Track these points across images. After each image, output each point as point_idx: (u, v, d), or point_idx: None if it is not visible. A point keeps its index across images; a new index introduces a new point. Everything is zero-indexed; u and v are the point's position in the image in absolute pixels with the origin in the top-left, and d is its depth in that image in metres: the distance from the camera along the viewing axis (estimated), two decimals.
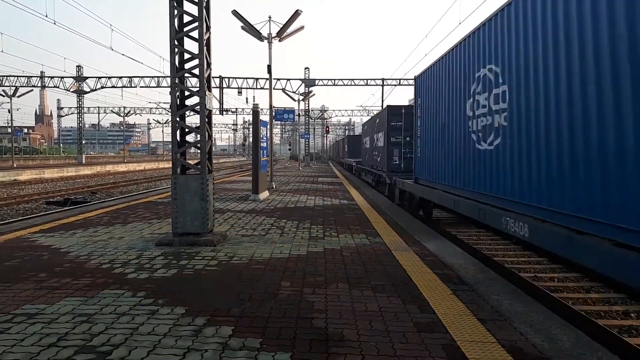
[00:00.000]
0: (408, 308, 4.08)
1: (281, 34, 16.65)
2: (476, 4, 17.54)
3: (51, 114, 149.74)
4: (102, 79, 46.55)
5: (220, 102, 44.33)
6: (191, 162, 7.35)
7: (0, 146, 78.28)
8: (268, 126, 15.71)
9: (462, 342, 3.34)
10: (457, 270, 5.38)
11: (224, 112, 47.40)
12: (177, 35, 6.99)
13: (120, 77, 45.82)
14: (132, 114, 70.52)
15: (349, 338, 3.41)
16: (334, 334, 3.49)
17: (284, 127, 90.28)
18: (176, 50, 7.00)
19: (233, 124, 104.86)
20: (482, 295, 4.47)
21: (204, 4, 6.93)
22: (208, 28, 7.11)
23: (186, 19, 7.09)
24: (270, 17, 17.16)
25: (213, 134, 7.46)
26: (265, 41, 16.82)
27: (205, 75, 6.98)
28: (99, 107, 68.93)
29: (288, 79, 45.25)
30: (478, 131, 7.68)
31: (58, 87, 45.95)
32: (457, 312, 3.99)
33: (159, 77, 45.05)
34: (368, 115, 67.52)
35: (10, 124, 48.49)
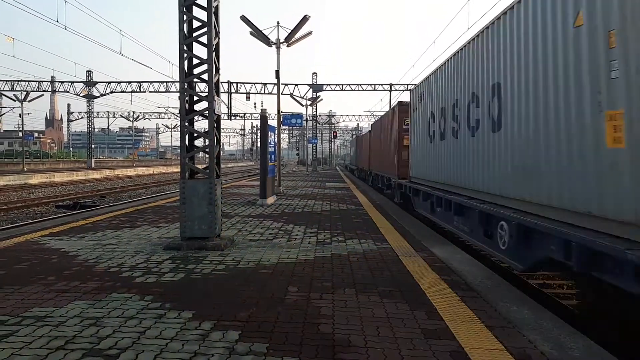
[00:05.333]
0: (415, 314, 4.06)
1: (289, 40, 16.72)
2: (484, 9, 17.50)
3: (61, 119, 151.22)
4: (111, 83, 46.97)
5: (229, 107, 44.54)
6: (199, 166, 7.38)
7: (11, 150, 79.07)
8: (276, 131, 15.75)
9: (470, 349, 3.32)
10: (464, 277, 5.35)
11: (232, 117, 47.62)
12: (187, 40, 7.04)
13: (130, 82, 46.19)
14: (141, 118, 70.99)
15: (356, 344, 3.40)
16: (340, 339, 3.48)
17: (291, 132, 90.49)
18: (185, 55, 7.04)
19: (241, 129, 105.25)
20: (490, 301, 4.44)
21: (213, 10, 6.98)
22: (217, 33, 7.15)
23: (195, 24, 7.14)
24: (278, 23, 17.24)
25: (221, 139, 7.49)
26: (274, 46, 16.90)
27: (214, 80, 7.02)
28: (108, 112, 69.61)
29: (296, 84, 45.40)
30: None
31: (68, 92, 46.42)
32: (465, 318, 3.96)
33: (168, 82, 45.37)
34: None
35: (21, 128, 48.96)
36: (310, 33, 17.27)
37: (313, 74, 46.65)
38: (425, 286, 4.92)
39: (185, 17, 7.02)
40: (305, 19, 16.09)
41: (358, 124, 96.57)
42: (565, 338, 3.56)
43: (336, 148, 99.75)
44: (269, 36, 16.72)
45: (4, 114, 52.05)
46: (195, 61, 7.17)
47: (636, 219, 3.62)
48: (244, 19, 15.82)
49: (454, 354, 3.25)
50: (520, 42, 5.86)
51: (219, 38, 7.25)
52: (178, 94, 7.21)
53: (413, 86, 13.79)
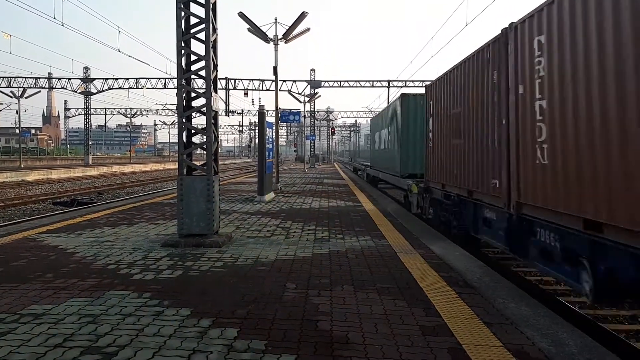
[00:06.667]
0: (413, 311, 4.06)
1: (287, 36, 16.68)
2: (482, 6, 17.51)
3: (58, 115, 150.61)
4: (109, 80, 46.85)
5: (227, 103, 44.51)
6: (197, 163, 7.38)
7: (8, 147, 78.83)
8: (274, 128, 15.73)
9: (467, 346, 3.33)
10: (462, 273, 5.36)
11: (230, 114, 47.60)
12: (184, 37, 7.02)
13: (127, 79, 46.10)
14: (138, 115, 70.85)
15: (354, 341, 3.40)
16: (339, 336, 3.48)
17: (289, 128, 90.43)
18: (183, 51, 7.02)
19: (239, 126, 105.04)
20: (488, 298, 4.45)
21: (211, 6, 6.96)
22: (214, 30, 7.13)
23: (193, 20, 7.12)
24: (276, 19, 17.20)
25: (219, 136, 7.49)
26: (272, 43, 16.86)
27: (212, 76, 7.00)
28: (105, 109, 69.35)
29: (294, 81, 45.34)
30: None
31: (65, 89, 46.31)
32: (463, 315, 3.97)
33: (166, 78, 45.28)
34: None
35: (18, 125, 48.81)
36: (308, 29, 17.23)
37: (311, 70, 46.65)
38: (423, 283, 4.93)
39: (183, 14, 6.99)
40: (303, 15, 16.05)
41: (356, 120, 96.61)
42: (563, 335, 3.57)
43: (334, 144, 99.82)
44: (267, 33, 16.68)
45: (1, 110, 51.86)
46: (193, 58, 7.15)
47: None
48: (242, 15, 15.78)
49: (451, 350, 3.26)
50: None
51: (216, 34, 7.22)
52: (176, 91, 7.20)
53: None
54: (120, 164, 51.95)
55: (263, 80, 45.49)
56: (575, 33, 4.79)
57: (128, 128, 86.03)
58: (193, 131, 7.31)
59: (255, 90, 45.76)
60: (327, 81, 46.60)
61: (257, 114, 14.74)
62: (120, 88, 46.61)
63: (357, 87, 47.52)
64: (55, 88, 46.85)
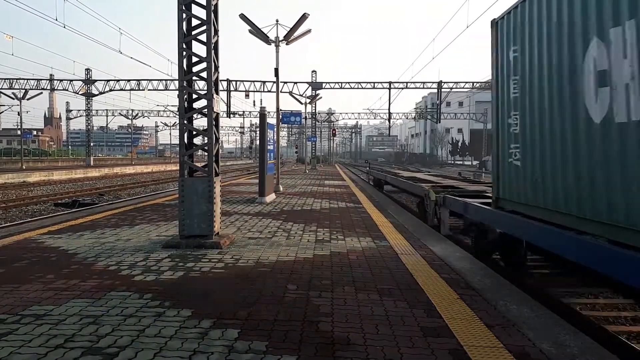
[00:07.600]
0: (414, 312, 4.06)
1: (288, 38, 16.69)
2: (483, 8, 17.53)
3: (60, 117, 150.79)
4: (110, 81, 46.94)
5: (228, 105, 44.57)
6: (198, 164, 7.38)
7: (10, 148, 79.00)
8: (275, 129, 15.75)
9: (468, 347, 3.32)
10: (464, 275, 5.35)
11: (232, 115, 47.65)
12: (186, 38, 7.03)
13: (129, 80, 46.17)
14: (140, 116, 70.91)
15: (355, 342, 3.40)
16: (340, 337, 3.48)
17: (290, 130, 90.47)
18: (184, 53, 7.03)
19: (240, 127, 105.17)
20: (490, 300, 4.44)
21: (213, 8, 6.97)
22: (216, 31, 7.14)
23: (194, 22, 7.13)
24: (277, 21, 17.20)
25: (220, 137, 7.49)
26: (273, 44, 16.87)
27: (213, 78, 7.01)
28: (107, 110, 69.39)
29: (295, 82, 45.38)
30: None
31: (67, 90, 46.42)
32: (464, 316, 3.97)
33: (167, 80, 45.37)
34: (375, 118, 67.17)
35: (19, 126, 48.91)
36: (309, 31, 17.24)
37: (312, 72, 46.66)
38: (424, 284, 4.93)
39: (184, 15, 7.00)
40: (304, 17, 16.07)
41: (357, 121, 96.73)
42: (564, 336, 3.57)
43: (335, 146, 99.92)
44: (268, 34, 16.69)
45: (2, 112, 52.01)
46: (195, 59, 7.16)
47: None
48: (243, 17, 15.80)
49: (453, 352, 3.25)
50: None
51: (218, 36, 7.24)
52: (177, 92, 7.21)
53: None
54: (121, 165, 51.99)
55: (264, 82, 45.56)
56: None
57: (129, 129, 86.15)
58: (194, 133, 7.32)
59: (257, 91, 45.83)
60: (328, 82, 46.63)
61: (258, 115, 14.75)
62: (121, 89, 46.71)
63: (358, 88, 47.55)
64: (56, 90, 46.96)
